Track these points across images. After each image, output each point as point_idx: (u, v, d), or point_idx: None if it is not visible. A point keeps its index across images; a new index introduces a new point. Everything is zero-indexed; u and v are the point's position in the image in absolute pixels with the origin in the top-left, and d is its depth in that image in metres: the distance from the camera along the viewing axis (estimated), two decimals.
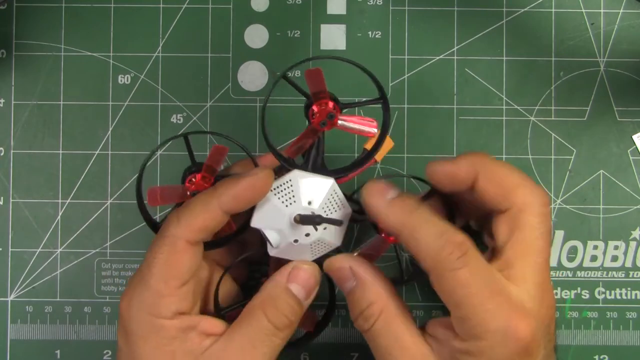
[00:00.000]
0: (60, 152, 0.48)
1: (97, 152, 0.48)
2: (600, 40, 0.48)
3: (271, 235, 0.39)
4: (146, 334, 0.38)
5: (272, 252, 0.40)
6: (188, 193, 0.40)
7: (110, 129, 0.48)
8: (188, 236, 0.38)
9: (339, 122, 0.40)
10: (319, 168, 0.40)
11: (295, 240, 0.39)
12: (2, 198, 0.48)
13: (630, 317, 0.48)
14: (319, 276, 0.40)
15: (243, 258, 0.41)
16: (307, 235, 0.39)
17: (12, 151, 0.48)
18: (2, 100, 0.48)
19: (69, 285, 0.47)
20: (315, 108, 0.40)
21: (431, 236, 0.37)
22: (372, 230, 0.42)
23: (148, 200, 0.40)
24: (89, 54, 0.48)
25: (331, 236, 0.40)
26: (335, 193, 0.40)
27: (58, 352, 0.47)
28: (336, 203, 0.40)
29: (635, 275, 0.48)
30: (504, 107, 0.48)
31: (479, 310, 0.36)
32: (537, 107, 0.48)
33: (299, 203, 0.39)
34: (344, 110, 0.41)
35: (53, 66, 0.48)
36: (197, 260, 0.38)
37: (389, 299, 0.38)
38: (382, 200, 0.38)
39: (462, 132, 0.48)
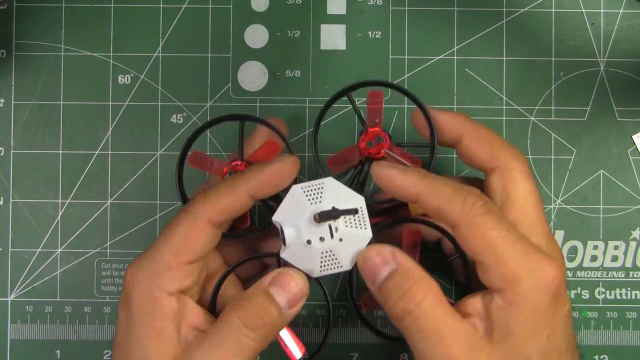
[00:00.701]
0: (60, 152, 0.48)
1: (97, 152, 0.48)
2: (600, 40, 0.48)
3: (287, 231, 0.39)
4: (144, 303, 0.38)
5: (283, 253, 0.40)
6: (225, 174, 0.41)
7: (110, 129, 0.48)
8: (211, 215, 0.38)
9: (386, 151, 0.41)
10: (354, 188, 0.41)
11: (309, 242, 0.39)
12: (2, 198, 0.48)
13: (630, 317, 0.48)
14: (304, 286, 0.39)
15: (247, 260, 0.41)
16: (322, 239, 0.39)
17: (12, 151, 0.48)
18: (2, 100, 0.48)
19: (69, 285, 0.48)
20: (368, 129, 0.42)
21: (452, 190, 0.38)
22: None
23: (189, 159, 0.42)
24: (89, 54, 0.48)
25: (344, 253, 0.40)
26: (363, 211, 0.40)
27: (58, 352, 0.47)
28: (360, 221, 0.40)
29: (635, 275, 0.48)
30: (504, 107, 0.48)
31: (511, 251, 0.36)
32: (537, 107, 0.48)
33: (324, 204, 0.39)
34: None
35: (53, 66, 0.48)
36: (212, 242, 0.39)
37: (433, 281, 0.38)
38: (396, 170, 0.39)
39: None
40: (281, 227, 0.39)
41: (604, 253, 0.48)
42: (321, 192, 0.40)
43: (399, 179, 0.39)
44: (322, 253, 0.39)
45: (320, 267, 0.39)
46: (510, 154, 0.40)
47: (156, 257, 0.38)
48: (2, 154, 0.48)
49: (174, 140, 0.48)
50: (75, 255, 0.48)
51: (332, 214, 0.39)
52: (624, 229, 0.48)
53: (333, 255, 0.39)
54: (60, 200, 0.48)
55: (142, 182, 0.48)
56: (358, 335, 0.48)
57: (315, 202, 0.39)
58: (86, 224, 0.48)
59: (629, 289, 0.48)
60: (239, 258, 0.42)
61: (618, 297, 0.48)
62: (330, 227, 0.39)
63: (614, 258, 0.48)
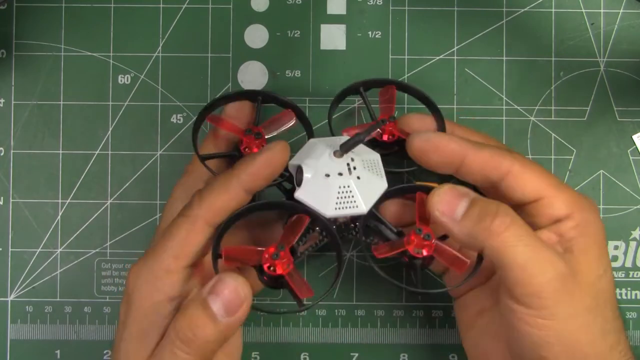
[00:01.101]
0: (60, 152, 0.48)
1: (97, 152, 0.48)
2: (600, 40, 0.48)
3: (306, 166, 0.39)
4: (144, 305, 0.38)
5: (298, 193, 0.39)
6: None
7: (110, 129, 0.48)
8: (208, 217, 0.38)
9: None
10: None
11: (327, 175, 0.39)
12: (2, 198, 0.48)
13: (630, 317, 0.48)
14: (242, 290, 0.37)
15: (251, 208, 0.39)
16: (340, 174, 0.39)
17: (12, 151, 0.48)
18: (2, 100, 0.48)
19: (69, 285, 0.47)
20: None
21: (495, 147, 0.39)
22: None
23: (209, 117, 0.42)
24: (89, 54, 0.48)
25: (361, 193, 0.39)
26: (379, 163, 0.40)
27: (58, 352, 0.47)
28: (377, 169, 0.40)
29: (635, 275, 0.48)
30: (504, 107, 0.48)
31: (566, 187, 0.40)
32: (537, 107, 0.48)
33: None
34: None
35: (53, 66, 0.48)
36: (208, 242, 0.39)
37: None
38: (439, 134, 0.40)
39: None
40: (298, 167, 0.39)
41: None
42: (339, 142, 0.40)
43: (445, 138, 0.39)
44: (340, 187, 0.39)
45: (336, 204, 0.39)
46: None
47: (157, 261, 0.38)
48: (2, 154, 0.48)
49: (174, 140, 0.48)
50: (75, 255, 0.48)
51: (355, 140, 0.39)
52: (624, 229, 0.48)
53: (350, 192, 0.39)
54: (60, 200, 0.48)
55: (142, 182, 0.48)
56: (358, 335, 0.48)
57: (333, 145, 0.40)
58: (86, 224, 0.48)
59: (629, 289, 0.48)
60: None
61: (618, 297, 0.48)
62: (348, 166, 0.39)
63: (614, 258, 0.48)
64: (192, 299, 0.37)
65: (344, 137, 0.41)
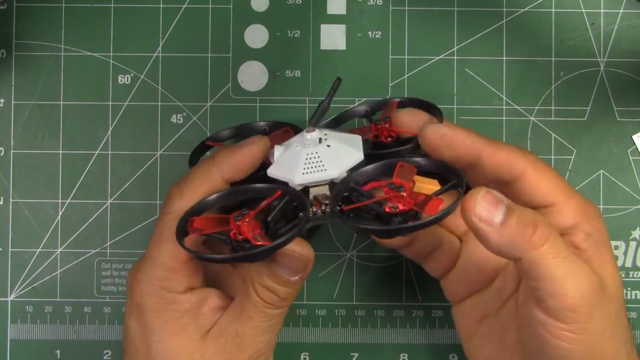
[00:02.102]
0: (60, 152, 0.48)
1: (97, 152, 0.48)
2: (600, 40, 0.48)
3: (279, 147, 0.40)
4: (159, 307, 0.38)
5: (269, 169, 0.39)
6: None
7: (110, 129, 0.48)
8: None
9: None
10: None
11: (296, 147, 0.39)
12: (2, 198, 0.48)
13: (630, 317, 0.48)
14: (309, 254, 0.39)
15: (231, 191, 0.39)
16: (310, 145, 0.39)
17: (12, 151, 0.48)
18: (2, 100, 0.48)
19: (69, 285, 0.47)
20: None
21: (511, 146, 0.39)
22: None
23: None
24: (89, 54, 0.48)
25: (330, 158, 0.38)
26: (358, 141, 0.40)
27: (58, 352, 0.47)
28: (353, 142, 0.40)
29: (635, 275, 0.48)
30: (504, 107, 0.48)
31: (574, 191, 0.40)
32: (537, 107, 0.48)
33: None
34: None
35: (53, 66, 0.48)
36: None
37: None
38: (456, 128, 0.39)
39: None
40: (271, 154, 0.40)
41: None
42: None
43: (462, 134, 0.39)
44: (307, 155, 0.39)
45: (304, 169, 0.38)
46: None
47: (159, 263, 0.38)
48: (2, 154, 0.48)
49: (174, 140, 0.48)
50: (75, 255, 0.48)
51: (321, 107, 0.39)
52: (624, 229, 0.48)
53: (318, 157, 0.38)
54: (60, 200, 0.48)
55: (142, 182, 0.48)
56: (358, 335, 0.48)
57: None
58: (86, 224, 0.48)
59: (629, 289, 0.48)
60: None
61: None
62: (320, 139, 0.39)
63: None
64: (261, 266, 0.38)
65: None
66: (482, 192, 0.36)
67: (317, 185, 0.38)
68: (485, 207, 0.35)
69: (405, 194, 0.36)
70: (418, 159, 0.39)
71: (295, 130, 0.43)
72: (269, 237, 0.37)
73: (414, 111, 0.43)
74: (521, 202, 0.39)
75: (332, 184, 0.38)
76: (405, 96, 0.45)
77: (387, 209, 0.36)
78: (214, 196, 0.39)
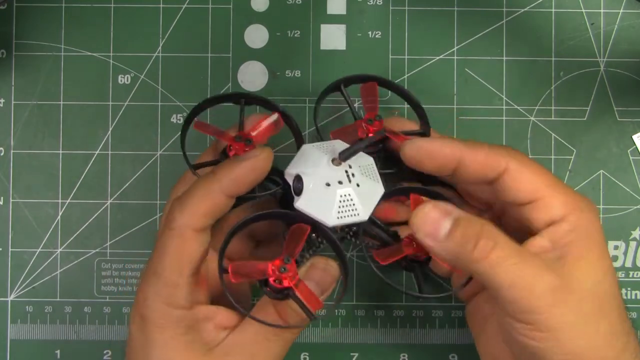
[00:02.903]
0: (60, 152, 0.48)
1: (97, 152, 0.48)
2: (600, 40, 0.48)
3: (306, 177, 0.39)
4: (163, 323, 0.38)
5: (297, 202, 0.39)
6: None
7: (110, 129, 0.48)
8: (194, 224, 0.38)
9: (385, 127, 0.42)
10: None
11: (328, 184, 0.39)
12: (2, 198, 0.48)
13: (630, 317, 0.48)
14: (336, 273, 0.40)
15: (253, 218, 0.39)
16: (340, 183, 0.39)
17: (12, 151, 0.48)
18: (2, 100, 0.48)
19: (69, 285, 0.47)
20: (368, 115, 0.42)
21: (491, 146, 0.39)
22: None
23: (195, 124, 0.41)
24: (89, 54, 0.48)
25: (361, 201, 0.39)
26: (373, 167, 0.40)
27: (58, 352, 0.47)
28: (373, 174, 0.40)
29: (635, 275, 0.48)
30: (504, 107, 0.48)
31: (562, 184, 0.39)
32: (537, 107, 0.48)
33: (338, 153, 0.39)
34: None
35: (53, 66, 0.48)
36: (206, 246, 0.39)
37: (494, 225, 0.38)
38: (431, 139, 0.39)
39: (462, 132, 0.48)
40: (295, 177, 0.39)
41: None
42: (334, 148, 0.40)
43: (438, 143, 0.38)
44: (341, 196, 0.39)
45: (338, 213, 0.39)
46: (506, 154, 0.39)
47: (163, 279, 0.38)
48: (2, 154, 0.48)
49: (174, 140, 0.48)
50: (75, 255, 0.48)
51: (354, 149, 0.39)
52: (624, 229, 0.48)
53: (351, 200, 0.39)
54: (60, 200, 0.48)
55: (142, 182, 0.48)
56: (358, 335, 0.48)
57: (329, 153, 0.40)
58: (86, 224, 0.48)
59: (629, 289, 0.48)
60: (239, 243, 0.42)
61: None
62: (347, 173, 0.39)
63: (614, 258, 0.48)
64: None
65: (337, 142, 0.41)
66: (428, 207, 0.37)
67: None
68: (430, 222, 0.37)
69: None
70: (427, 189, 0.41)
71: (285, 118, 0.42)
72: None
73: (401, 120, 0.43)
74: (507, 200, 0.39)
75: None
76: (385, 78, 0.44)
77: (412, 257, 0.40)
78: (242, 221, 0.38)
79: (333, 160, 0.39)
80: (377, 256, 0.39)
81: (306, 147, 0.41)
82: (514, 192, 0.38)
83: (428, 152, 0.39)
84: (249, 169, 0.38)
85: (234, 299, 0.40)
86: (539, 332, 0.36)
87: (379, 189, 0.40)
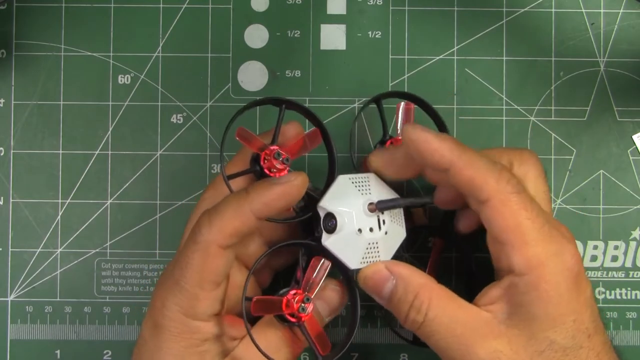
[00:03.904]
0: (60, 152, 0.48)
1: (97, 152, 0.48)
2: (600, 40, 0.48)
3: (340, 218, 0.39)
4: (179, 333, 0.38)
5: (327, 240, 0.39)
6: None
7: (110, 129, 0.48)
8: (220, 241, 0.37)
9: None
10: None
11: (360, 231, 0.39)
12: (2, 198, 0.48)
13: (630, 317, 0.48)
14: (346, 297, 0.41)
15: (282, 245, 0.40)
16: (371, 230, 0.39)
17: (12, 151, 0.48)
18: (2, 100, 0.48)
19: (69, 285, 0.47)
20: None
21: (487, 164, 0.37)
22: None
23: (237, 132, 0.39)
24: (89, 54, 0.48)
25: (385, 247, 0.40)
26: (400, 211, 0.41)
27: (58, 352, 0.47)
28: (400, 218, 0.41)
29: (635, 275, 0.48)
30: (504, 107, 0.48)
31: (538, 234, 0.36)
32: (537, 107, 0.48)
33: (373, 196, 0.39)
34: None
35: (53, 66, 0.48)
36: (230, 262, 0.38)
37: (434, 284, 0.38)
38: (432, 133, 0.37)
39: (462, 132, 0.48)
40: (328, 213, 0.39)
41: (604, 253, 0.48)
42: (369, 185, 0.40)
43: (436, 142, 0.37)
44: (369, 244, 0.39)
45: (362, 258, 0.39)
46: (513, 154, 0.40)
47: (184, 290, 0.38)
48: (2, 154, 0.48)
49: (174, 140, 0.48)
50: (75, 255, 0.48)
51: (394, 204, 0.39)
52: (624, 229, 0.48)
53: (377, 247, 0.39)
54: (60, 200, 0.48)
55: (142, 182, 0.48)
56: (358, 335, 0.48)
57: (365, 193, 0.40)
58: (86, 224, 0.48)
59: (629, 289, 0.48)
60: (279, 239, 0.42)
61: (618, 297, 0.48)
62: (379, 220, 0.39)
63: (614, 258, 0.48)
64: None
65: (372, 178, 0.40)
66: (374, 268, 0.39)
67: None
68: (375, 282, 0.39)
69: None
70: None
71: (323, 133, 0.41)
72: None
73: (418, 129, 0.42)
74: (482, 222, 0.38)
75: None
76: (424, 100, 0.44)
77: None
78: (269, 250, 0.40)
79: (369, 206, 0.39)
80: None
81: (342, 180, 0.40)
82: (486, 224, 0.38)
83: (419, 147, 0.37)
84: (281, 194, 0.37)
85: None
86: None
87: (402, 234, 0.41)
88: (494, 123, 0.48)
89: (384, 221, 0.39)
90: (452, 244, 0.45)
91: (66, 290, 0.47)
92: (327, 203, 0.39)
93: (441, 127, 0.44)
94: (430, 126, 0.44)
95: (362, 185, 0.40)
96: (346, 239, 0.39)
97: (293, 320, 0.39)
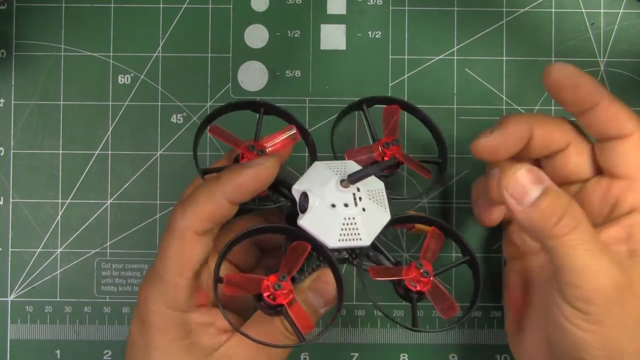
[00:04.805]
0: (60, 152, 0.48)
1: (97, 152, 0.48)
2: (600, 40, 0.48)
3: (312, 195, 0.39)
4: (164, 326, 0.38)
5: (302, 221, 0.39)
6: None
7: (110, 129, 0.48)
8: (196, 227, 0.38)
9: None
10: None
11: (333, 205, 0.38)
12: (2, 198, 0.48)
13: None
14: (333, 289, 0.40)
15: (253, 231, 0.39)
16: (346, 205, 0.39)
17: (12, 151, 0.48)
18: (2, 100, 0.48)
19: (69, 285, 0.47)
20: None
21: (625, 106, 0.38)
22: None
23: (210, 129, 0.40)
24: (89, 54, 0.48)
25: (365, 226, 0.39)
26: (383, 193, 0.40)
27: (58, 352, 0.47)
28: (381, 199, 0.40)
29: None
30: (504, 107, 0.48)
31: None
32: (537, 107, 0.48)
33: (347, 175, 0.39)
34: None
35: (53, 66, 0.48)
36: (207, 249, 0.39)
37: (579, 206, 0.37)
38: (581, 71, 0.38)
39: (462, 132, 0.48)
40: (302, 194, 0.39)
41: None
42: (345, 168, 0.40)
43: (586, 80, 0.38)
44: (345, 219, 0.38)
45: (340, 235, 0.39)
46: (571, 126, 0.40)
47: (165, 281, 0.38)
48: (2, 154, 0.48)
49: (174, 140, 0.48)
50: (75, 255, 0.48)
51: (364, 173, 0.38)
52: None
53: (355, 224, 0.39)
54: (60, 200, 0.48)
55: (142, 182, 0.48)
56: (358, 335, 0.48)
57: (338, 173, 0.39)
58: (86, 224, 0.48)
59: None
60: (242, 252, 0.42)
61: None
62: (354, 196, 0.39)
63: None
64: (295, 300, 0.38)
65: (350, 163, 0.41)
66: (523, 169, 0.36)
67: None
68: (520, 184, 0.36)
69: (429, 279, 0.39)
70: (442, 224, 0.41)
71: (302, 132, 0.42)
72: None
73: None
74: (601, 161, 0.39)
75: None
76: (410, 103, 0.44)
77: (407, 284, 0.39)
78: (242, 234, 0.38)
79: (342, 182, 0.39)
80: (372, 270, 0.39)
81: (317, 164, 0.40)
82: (615, 160, 0.38)
83: (574, 83, 0.38)
84: (251, 177, 0.38)
85: (236, 306, 0.40)
86: (589, 323, 0.36)
87: (385, 216, 0.40)
88: (494, 123, 0.48)
89: (360, 198, 0.39)
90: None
91: (66, 290, 0.48)
92: (300, 184, 0.39)
93: (434, 131, 0.44)
94: (422, 131, 0.44)
95: (337, 168, 0.40)
96: (321, 216, 0.39)
97: (272, 303, 0.37)
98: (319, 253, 0.39)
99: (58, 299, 0.47)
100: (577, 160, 0.40)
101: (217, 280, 0.38)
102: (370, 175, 0.39)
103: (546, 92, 0.48)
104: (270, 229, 0.40)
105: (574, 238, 0.35)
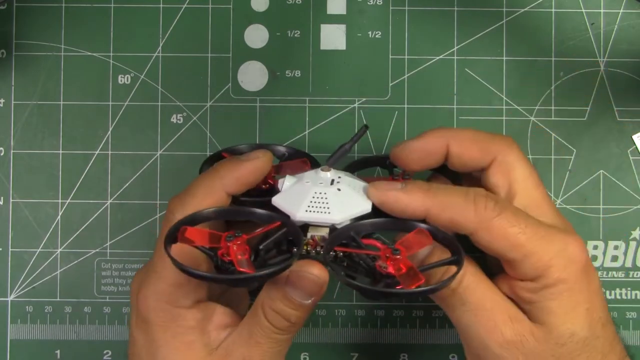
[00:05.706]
0: (60, 152, 0.48)
1: (97, 152, 0.48)
2: (600, 40, 0.48)
3: (288, 177, 0.39)
4: (165, 322, 0.38)
5: (275, 197, 0.38)
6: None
7: (110, 129, 0.48)
8: None
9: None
10: None
11: (307, 182, 0.38)
12: (2, 198, 0.48)
13: (630, 317, 0.48)
14: (316, 279, 0.37)
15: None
16: (320, 184, 0.38)
17: (12, 151, 0.48)
18: (2, 100, 0.48)
19: (69, 285, 0.47)
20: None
21: (460, 198, 0.37)
22: None
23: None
24: (89, 54, 0.48)
25: (337, 203, 0.38)
26: (366, 190, 0.39)
27: (58, 352, 0.47)
28: (362, 193, 0.39)
29: (635, 275, 0.48)
30: (504, 107, 0.48)
31: (535, 242, 0.37)
32: (537, 107, 0.48)
33: (333, 172, 0.39)
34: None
35: (53, 66, 0.48)
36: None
37: (469, 258, 0.38)
38: (397, 190, 0.38)
39: None
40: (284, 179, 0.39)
41: (604, 253, 0.48)
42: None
43: (404, 199, 0.37)
44: (315, 193, 0.38)
45: (308, 207, 0.38)
46: (499, 144, 0.40)
47: (164, 277, 0.38)
48: (2, 154, 0.48)
49: (174, 140, 0.48)
50: (75, 255, 0.48)
51: (340, 151, 0.38)
52: (624, 229, 0.48)
53: (325, 199, 0.38)
54: (60, 200, 0.48)
55: (142, 182, 0.48)
56: (358, 335, 0.48)
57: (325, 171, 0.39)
58: (86, 224, 0.48)
59: (629, 289, 0.48)
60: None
61: (618, 297, 0.48)
62: (332, 181, 0.39)
63: (614, 258, 0.48)
64: (273, 289, 0.37)
65: (343, 173, 0.40)
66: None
67: (317, 225, 0.38)
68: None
69: (399, 257, 0.35)
70: (429, 227, 0.38)
71: (313, 163, 0.42)
72: (257, 264, 0.36)
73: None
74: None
75: (333, 228, 0.38)
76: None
77: (377, 266, 0.36)
78: (211, 210, 0.38)
79: (322, 168, 0.39)
80: (401, 244, 0.36)
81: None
82: (485, 250, 0.38)
83: (398, 208, 0.38)
84: (251, 169, 0.39)
85: (231, 298, 0.39)
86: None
87: (364, 205, 0.38)
88: (494, 123, 0.48)
89: (338, 182, 0.38)
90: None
91: (66, 290, 0.48)
92: (285, 178, 0.39)
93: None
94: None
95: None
96: (293, 192, 0.38)
97: (226, 260, 0.35)
98: (288, 230, 0.38)
99: (58, 299, 0.47)
100: (494, 181, 0.39)
101: (171, 239, 0.36)
102: (347, 150, 0.39)
103: (546, 92, 0.48)
104: (239, 213, 0.39)
105: (466, 284, 0.38)
